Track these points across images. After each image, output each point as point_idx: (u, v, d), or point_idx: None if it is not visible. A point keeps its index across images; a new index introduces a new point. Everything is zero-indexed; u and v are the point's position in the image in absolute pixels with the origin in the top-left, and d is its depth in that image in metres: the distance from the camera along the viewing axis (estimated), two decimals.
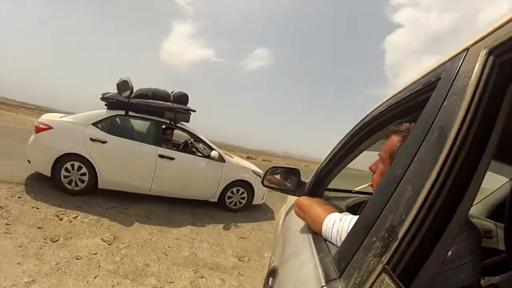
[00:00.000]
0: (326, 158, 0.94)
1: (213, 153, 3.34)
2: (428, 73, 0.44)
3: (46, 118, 2.98)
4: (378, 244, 0.35)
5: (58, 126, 2.87)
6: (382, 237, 0.35)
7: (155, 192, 3.16)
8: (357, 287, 0.34)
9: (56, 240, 2.00)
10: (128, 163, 3.02)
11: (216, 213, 3.39)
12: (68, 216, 2.43)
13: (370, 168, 0.64)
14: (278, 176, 1.07)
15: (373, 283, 0.32)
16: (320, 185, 0.97)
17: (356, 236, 0.41)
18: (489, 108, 0.29)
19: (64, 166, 2.83)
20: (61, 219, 2.34)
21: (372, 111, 0.68)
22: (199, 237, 2.67)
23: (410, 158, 0.37)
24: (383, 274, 0.31)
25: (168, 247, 2.33)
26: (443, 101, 0.35)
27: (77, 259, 1.84)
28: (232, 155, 3.97)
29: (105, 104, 3.12)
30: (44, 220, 2.26)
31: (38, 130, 2.85)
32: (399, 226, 0.33)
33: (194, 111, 3.38)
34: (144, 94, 3.16)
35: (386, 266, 0.31)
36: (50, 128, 2.84)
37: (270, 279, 0.71)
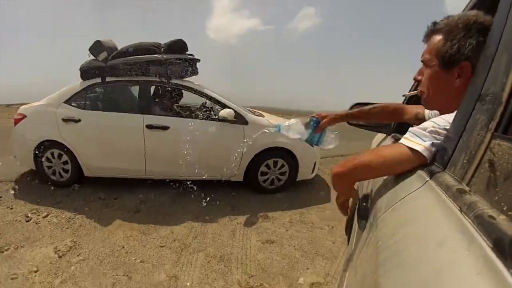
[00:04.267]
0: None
1: (224, 112, 3.10)
2: None
3: (24, 106, 3.34)
4: (483, 118, 0.44)
5: (31, 113, 3.22)
6: (486, 110, 0.43)
7: (153, 175, 3.29)
8: (465, 166, 0.46)
9: (6, 250, 2.15)
10: (109, 142, 3.17)
11: (241, 198, 3.23)
12: (38, 215, 2.66)
13: (414, 78, 0.79)
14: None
15: (483, 154, 0.41)
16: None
17: (454, 128, 0.52)
18: None
19: (45, 156, 3.18)
20: (27, 221, 2.56)
21: None
22: (197, 243, 2.38)
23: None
24: (494, 141, 0.40)
25: (141, 261, 2.11)
26: None
27: (12, 278, 1.87)
28: (263, 113, 3.79)
29: (80, 75, 3.26)
30: (8, 223, 2.49)
31: (16, 121, 3.25)
32: (502, 91, 0.41)
33: (197, 60, 3.33)
34: (123, 52, 3.20)
35: (494, 132, 0.40)
36: (24, 117, 3.20)
37: (363, 204, 0.88)
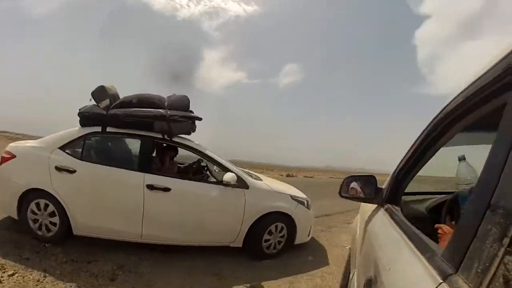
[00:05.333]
0: (402, 161, 1.16)
1: (227, 176, 2.98)
2: (497, 64, 0.61)
3: (13, 144, 3.02)
4: (495, 230, 0.48)
5: (21, 154, 2.88)
6: (498, 223, 0.48)
7: (149, 239, 2.99)
8: (480, 276, 0.47)
9: None
10: (105, 199, 2.90)
11: (226, 265, 3.04)
12: (4, 272, 2.40)
13: None
14: (354, 185, 1.35)
15: (497, 268, 0.44)
16: (398, 189, 1.22)
17: (467, 227, 0.55)
18: None
19: (29, 207, 2.80)
20: None
21: (445, 107, 0.86)
22: None
23: (509, 142, 0.52)
24: (508, 257, 0.44)
25: None
26: None
27: None
28: (260, 177, 3.78)
29: (79, 121, 3.07)
30: None
31: (2, 160, 2.89)
32: None
33: (199, 118, 3.18)
34: (127, 102, 3.06)
35: (508, 248, 0.44)
36: (13, 157, 2.85)
37: None
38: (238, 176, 3.08)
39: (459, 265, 0.54)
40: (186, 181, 3.11)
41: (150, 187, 2.86)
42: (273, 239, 3.25)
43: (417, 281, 0.64)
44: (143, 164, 2.98)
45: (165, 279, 2.67)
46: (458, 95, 0.81)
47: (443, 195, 1.54)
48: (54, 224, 2.85)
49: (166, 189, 2.89)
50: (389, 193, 1.25)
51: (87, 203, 2.86)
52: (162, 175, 3.03)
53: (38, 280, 2.39)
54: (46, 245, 2.90)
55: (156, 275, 2.72)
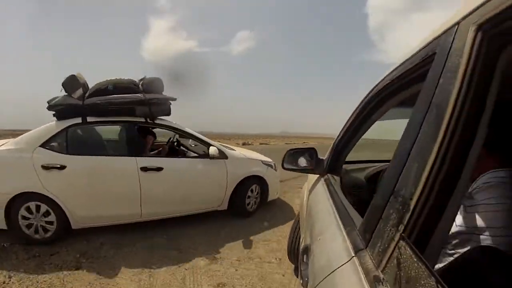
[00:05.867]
0: (340, 132, 1.20)
1: (212, 150, 3.31)
2: (425, 47, 0.62)
3: None
4: (395, 216, 0.53)
5: None
6: (397, 209, 0.52)
7: (148, 217, 3.16)
8: (381, 254, 0.53)
9: None
10: (101, 188, 2.89)
11: (187, 239, 3.09)
12: None
13: None
14: (296, 158, 1.41)
15: (393, 250, 0.49)
16: (337, 159, 1.29)
17: (376, 208, 0.59)
18: (480, 83, 0.46)
19: (19, 213, 2.65)
20: None
21: (379, 83, 0.88)
22: None
23: (414, 135, 0.54)
24: (401, 242, 0.48)
25: None
26: (439, 79, 0.52)
27: None
28: (233, 147, 4.15)
29: (54, 114, 2.95)
30: None
31: None
32: (410, 199, 0.50)
33: (173, 99, 3.31)
34: (102, 89, 3.00)
35: (403, 234, 0.49)
36: None
37: (305, 256, 0.95)
38: (218, 149, 3.39)
39: (369, 242, 0.60)
40: (175, 159, 3.34)
41: (144, 169, 2.98)
42: (251, 199, 3.76)
43: (336, 253, 0.70)
44: (132, 148, 3.05)
45: (129, 260, 2.65)
46: (387, 75, 0.83)
47: (382, 164, 1.66)
48: (51, 223, 2.75)
49: (159, 169, 3.05)
50: (329, 163, 1.32)
51: (83, 196, 2.81)
52: (152, 157, 3.21)
53: (4, 282, 2.27)
54: (5, 245, 2.73)
55: (120, 258, 2.68)
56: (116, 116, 3.00)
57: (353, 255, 0.62)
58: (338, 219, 0.84)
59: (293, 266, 2.60)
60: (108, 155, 3.01)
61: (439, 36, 0.57)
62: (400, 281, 0.45)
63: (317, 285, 0.69)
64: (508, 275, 0.51)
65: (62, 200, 2.72)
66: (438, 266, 0.66)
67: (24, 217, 2.67)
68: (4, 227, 2.67)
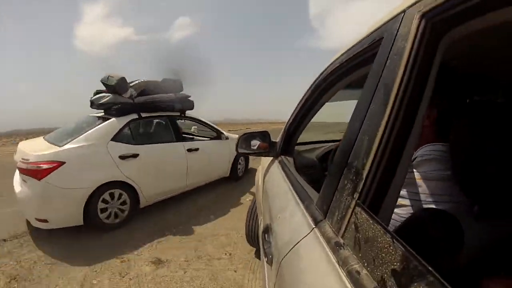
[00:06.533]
0: (291, 115, 1.23)
1: (225, 134, 4.84)
2: (372, 32, 0.68)
3: (37, 153, 2.73)
4: (349, 186, 0.58)
5: (73, 157, 2.82)
6: (352, 179, 0.58)
7: (190, 187, 4.21)
8: (339, 222, 0.58)
9: None
10: (162, 168, 3.63)
11: (130, 245, 2.85)
12: None
13: None
14: (250, 141, 1.43)
15: (350, 216, 0.55)
16: (290, 142, 1.34)
17: (332, 181, 0.64)
18: (423, 66, 0.52)
19: (99, 202, 2.97)
20: None
21: (328, 66, 0.93)
22: None
23: (364, 112, 0.60)
24: (357, 208, 0.54)
25: None
26: (386, 60, 0.58)
27: None
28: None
29: (105, 111, 3.53)
30: None
31: (44, 172, 2.63)
32: (362, 169, 0.56)
33: (189, 96, 4.34)
34: (147, 90, 3.79)
35: (358, 201, 0.54)
36: (60, 164, 2.71)
37: (266, 235, 0.98)
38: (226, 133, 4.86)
39: (327, 213, 0.65)
40: (204, 141, 4.53)
41: (189, 150, 4.00)
42: (241, 166, 5.30)
43: (297, 227, 0.74)
44: (178, 135, 3.98)
45: (67, 277, 2.34)
46: (338, 58, 0.88)
47: (330, 143, 1.79)
48: (122, 211, 3.21)
49: (196, 149, 4.12)
50: (282, 145, 1.38)
51: (151, 177, 3.45)
52: (190, 141, 4.30)
53: None
54: None
55: (55, 275, 2.36)
56: (160, 112, 3.82)
57: (314, 226, 0.67)
58: (296, 196, 0.88)
59: (244, 258, 2.63)
60: (163, 142, 3.71)
61: (386, 22, 0.63)
62: (359, 243, 0.51)
63: (282, 259, 0.73)
64: (450, 230, 0.61)
65: (137, 183, 3.28)
66: (390, 228, 0.75)
67: (100, 206, 3.00)
68: (81, 223, 2.87)
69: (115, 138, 3.16)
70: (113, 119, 3.27)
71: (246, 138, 1.46)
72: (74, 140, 2.97)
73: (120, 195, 3.16)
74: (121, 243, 2.88)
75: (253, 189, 4.50)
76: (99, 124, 3.19)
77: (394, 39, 0.57)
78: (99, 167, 2.96)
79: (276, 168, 1.30)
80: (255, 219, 2.05)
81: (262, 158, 1.81)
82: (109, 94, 3.42)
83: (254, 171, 5.80)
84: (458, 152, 0.74)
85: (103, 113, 3.51)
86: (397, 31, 0.57)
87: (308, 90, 1.13)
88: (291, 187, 0.98)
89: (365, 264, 0.47)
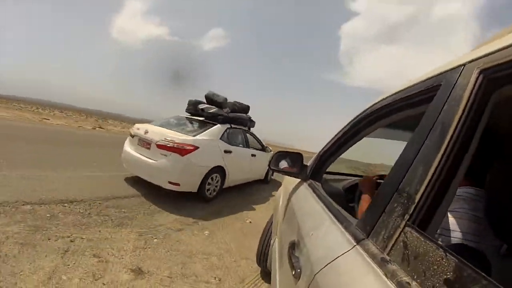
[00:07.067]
0: (328, 144, 1.31)
1: (270, 148, 6.97)
2: (430, 78, 0.78)
3: (181, 138, 4.10)
4: (399, 208, 0.64)
5: (204, 146, 4.25)
6: (402, 203, 0.64)
7: (247, 180, 6.20)
8: (386, 240, 0.63)
9: None
10: (240, 164, 5.34)
11: (113, 244, 2.64)
12: None
13: None
14: (283, 160, 1.51)
15: (398, 235, 0.61)
16: (320, 168, 1.41)
17: (378, 204, 0.70)
18: (476, 114, 0.61)
19: (207, 180, 4.42)
20: None
21: (375, 104, 1.03)
22: None
23: (419, 144, 0.68)
24: (407, 228, 0.60)
25: None
26: (444, 104, 0.67)
27: None
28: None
29: (207, 118, 5.02)
30: None
31: (185, 151, 3.97)
32: (415, 194, 0.62)
33: (250, 117, 6.28)
34: (234, 109, 5.57)
35: (408, 222, 0.61)
36: (196, 148, 4.08)
37: (293, 251, 1.02)
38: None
39: (370, 233, 0.71)
40: (257, 151, 6.23)
41: (252, 155, 5.92)
42: (269, 174, 7.44)
43: (336, 244, 0.79)
44: (247, 144, 5.77)
45: (34, 264, 2.11)
46: (387, 97, 0.98)
47: (358, 177, 1.86)
48: (215, 190, 4.71)
49: (254, 155, 5.98)
50: (313, 170, 1.45)
51: (234, 168, 5.06)
52: (251, 148, 6.01)
53: None
54: None
55: (23, 260, 2.12)
56: (241, 125, 5.60)
57: (355, 244, 0.72)
58: (332, 217, 0.94)
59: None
60: (241, 146, 5.47)
61: (444, 72, 0.73)
62: (408, 258, 0.57)
63: (318, 272, 0.77)
64: (479, 266, 0.66)
65: (228, 171, 4.86)
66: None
67: (208, 183, 4.45)
68: (195, 190, 4.29)
69: (221, 138, 4.73)
70: (218, 125, 4.80)
71: (279, 156, 1.54)
72: (202, 133, 4.43)
73: (217, 177, 4.61)
74: (102, 241, 2.66)
75: (274, 192, 6.41)
76: (209, 127, 4.68)
77: (453, 88, 0.67)
78: (215, 154, 4.50)
79: (306, 190, 1.36)
80: (268, 240, 2.07)
81: (285, 180, 1.88)
82: (213, 107, 5.06)
83: (274, 180, 7.82)
84: (492, 197, 0.80)
85: (203, 118, 5.02)
86: (456, 81, 0.67)
87: (349, 123, 1.22)
88: (325, 208, 1.04)
89: (415, 277, 0.53)
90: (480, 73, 0.62)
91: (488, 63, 0.60)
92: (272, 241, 1.72)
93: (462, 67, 0.68)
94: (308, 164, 1.51)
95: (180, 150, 3.88)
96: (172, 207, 3.98)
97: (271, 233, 2.02)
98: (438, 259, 0.51)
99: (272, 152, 6.59)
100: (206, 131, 4.50)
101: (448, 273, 0.48)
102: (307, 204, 1.21)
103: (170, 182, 3.88)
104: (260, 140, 6.54)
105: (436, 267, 0.50)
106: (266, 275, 2.61)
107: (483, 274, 0.42)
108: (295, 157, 1.49)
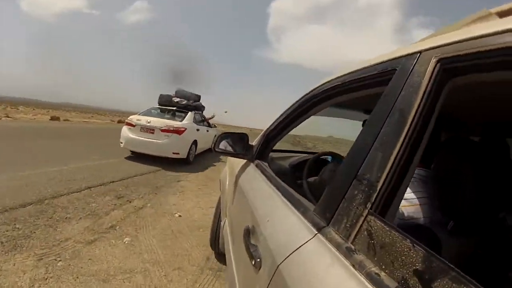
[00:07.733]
0: (274, 123, 1.25)
1: (214, 125, 9.87)
2: (384, 62, 0.78)
3: (177, 123, 6.78)
4: (360, 196, 0.65)
5: (188, 127, 6.98)
6: (363, 190, 0.65)
7: (205, 149, 8.71)
8: (349, 229, 0.63)
9: None
10: (204, 138, 8.09)
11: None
12: None
13: None
14: (228, 141, 1.43)
15: (361, 224, 0.61)
16: (266, 147, 1.39)
17: (336, 191, 0.70)
18: (432, 100, 0.63)
19: (190, 148, 7.18)
20: None
21: (325, 83, 1.00)
22: None
23: (377, 130, 0.69)
24: (370, 216, 0.61)
25: None
26: (401, 90, 0.68)
27: None
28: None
29: (179, 108, 7.70)
30: None
31: (180, 131, 6.56)
32: (377, 181, 0.63)
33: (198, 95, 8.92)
34: (195, 99, 8.26)
35: (370, 210, 0.61)
36: (185, 129, 6.73)
37: (248, 238, 0.98)
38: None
39: (330, 220, 0.70)
40: (209, 127, 8.71)
41: (207, 131, 8.45)
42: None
43: (296, 232, 0.78)
44: (204, 123, 8.73)
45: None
46: (338, 77, 0.97)
47: (304, 154, 1.90)
48: (193, 156, 7.48)
49: (208, 131, 8.47)
50: (259, 150, 1.42)
51: (200, 140, 7.73)
52: (205, 126, 8.49)
53: None
54: None
55: None
56: (198, 110, 8.40)
57: (316, 232, 0.72)
58: (287, 202, 0.92)
59: None
60: (201, 125, 8.08)
61: (400, 57, 0.73)
62: (374, 248, 0.58)
63: (281, 263, 0.75)
64: (428, 241, 0.73)
65: (198, 142, 7.55)
66: None
67: (190, 150, 7.16)
68: (185, 156, 6.87)
69: (193, 121, 7.21)
70: (189, 112, 7.32)
71: (223, 137, 1.46)
72: (185, 119, 7.03)
73: (193, 147, 6.99)
74: None
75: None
76: (186, 113, 7.30)
77: (409, 74, 0.68)
78: (193, 132, 7.03)
79: (254, 172, 1.32)
80: (219, 223, 2.02)
81: (229, 160, 1.82)
82: (183, 99, 7.68)
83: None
84: (439, 178, 0.89)
85: (174, 108, 7.56)
86: (413, 67, 0.68)
87: (296, 102, 1.19)
88: (277, 191, 1.02)
89: (383, 267, 0.54)
90: (437, 62, 0.63)
91: (445, 54, 0.61)
92: (222, 223, 1.69)
93: (418, 54, 0.68)
94: (254, 144, 1.47)
95: (178, 131, 6.43)
96: (79, 209, 3.31)
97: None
98: (406, 250, 0.52)
99: (217, 127, 9.05)
100: (186, 117, 7.14)
101: (416, 264, 0.49)
102: (257, 186, 1.19)
103: (173, 153, 6.38)
104: (207, 120, 9.06)
105: (404, 257, 0.51)
106: (220, 256, 2.51)
107: (452, 265, 0.44)
108: (239, 137, 1.44)
